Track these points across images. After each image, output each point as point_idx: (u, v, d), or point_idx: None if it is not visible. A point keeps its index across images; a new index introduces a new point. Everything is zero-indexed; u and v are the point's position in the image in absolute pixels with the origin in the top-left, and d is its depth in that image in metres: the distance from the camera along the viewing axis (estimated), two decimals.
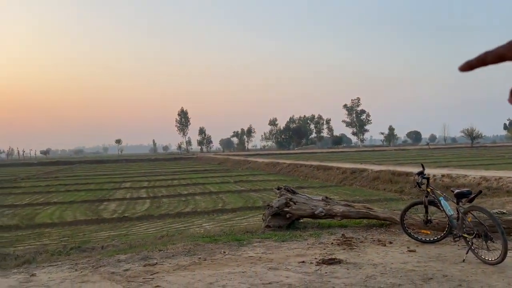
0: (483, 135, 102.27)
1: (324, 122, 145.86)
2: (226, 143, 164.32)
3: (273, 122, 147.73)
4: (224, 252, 5.82)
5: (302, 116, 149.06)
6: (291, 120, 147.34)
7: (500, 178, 16.79)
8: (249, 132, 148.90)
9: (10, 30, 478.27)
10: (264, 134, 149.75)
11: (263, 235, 6.95)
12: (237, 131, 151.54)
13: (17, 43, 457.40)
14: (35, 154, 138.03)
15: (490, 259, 4.78)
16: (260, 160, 48.00)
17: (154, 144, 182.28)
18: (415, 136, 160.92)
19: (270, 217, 7.64)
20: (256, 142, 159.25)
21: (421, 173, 6.18)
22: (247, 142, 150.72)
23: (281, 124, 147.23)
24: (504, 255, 4.63)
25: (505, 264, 4.68)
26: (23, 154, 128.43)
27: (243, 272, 4.79)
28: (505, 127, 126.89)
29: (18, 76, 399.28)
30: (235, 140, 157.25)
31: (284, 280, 4.42)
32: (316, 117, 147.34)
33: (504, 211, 6.72)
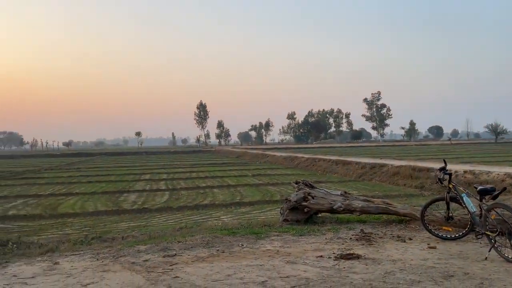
0: (508, 130, 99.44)
1: (344, 116, 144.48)
2: (244, 137, 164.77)
3: (291, 116, 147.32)
4: (242, 245, 5.85)
5: (321, 110, 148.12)
6: (310, 114, 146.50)
7: None
8: (267, 125, 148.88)
9: (37, 27, 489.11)
10: (282, 128, 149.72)
11: (281, 229, 6.95)
12: (255, 125, 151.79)
13: (41, 41, 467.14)
14: (58, 145, 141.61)
15: None
16: (278, 154, 47.96)
17: (173, 137, 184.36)
18: (436, 131, 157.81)
19: (288, 211, 7.63)
20: (274, 136, 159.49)
21: (443, 169, 6.05)
22: (265, 135, 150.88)
23: (300, 118, 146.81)
24: None
25: None
26: (46, 146, 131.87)
27: (260, 265, 4.81)
28: None
29: (42, 71, 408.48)
30: (253, 133, 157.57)
31: (302, 274, 4.41)
32: (335, 111, 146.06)
33: None
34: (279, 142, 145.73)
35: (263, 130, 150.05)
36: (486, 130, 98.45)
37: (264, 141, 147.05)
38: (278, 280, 4.24)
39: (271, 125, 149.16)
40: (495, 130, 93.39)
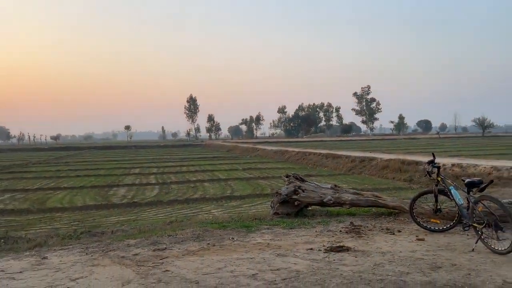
0: (494, 124, 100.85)
1: (334, 110, 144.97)
2: (234, 131, 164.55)
3: (282, 110, 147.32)
4: (233, 238, 5.85)
5: (312, 104, 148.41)
6: (300, 108, 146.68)
7: (511, 168, 16.60)
8: (258, 119, 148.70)
9: (27, 23, 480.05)
10: (273, 121, 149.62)
11: (272, 222, 6.97)
12: (246, 119, 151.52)
13: (29, 34, 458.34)
14: (45, 139, 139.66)
15: (500, 249, 4.74)
16: (268, 147, 48.02)
17: (163, 130, 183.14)
18: (425, 125, 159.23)
19: (278, 204, 7.66)
20: (264, 129, 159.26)
21: (431, 162, 6.11)
22: (256, 129, 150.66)
23: (290, 112, 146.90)
24: None
25: None
26: (34, 140, 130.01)
27: (251, 258, 4.82)
28: None
29: (30, 64, 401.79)
30: (243, 127, 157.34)
31: (292, 267, 4.44)
32: (325, 105, 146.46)
33: None
34: (269, 136, 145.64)
35: (253, 124, 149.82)
36: (474, 124, 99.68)
37: (255, 135, 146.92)
38: (268, 272, 4.26)
39: (261, 119, 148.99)
40: (482, 124, 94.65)
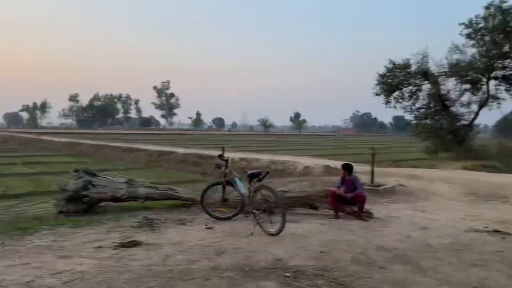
0: (274, 124, 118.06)
1: (133, 103, 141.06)
2: (12, 118, 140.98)
3: (74, 98, 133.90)
4: (3, 243, 4.99)
5: (109, 94, 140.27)
6: (96, 97, 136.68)
7: (284, 161, 19.67)
8: (44, 107, 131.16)
9: None
10: (63, 110, 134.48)
11: (55, 222, 6.28)
12: (28, 105, 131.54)
13: None
14: None
15: (272, 231, 5.53)
16: (56, 139, 43.06)
17: None
18: (219, 122, 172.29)
19: (64, 201, 6.97)
20: (52, 119, 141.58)
21: (221, 156, 6.64)
22: (41, 118, 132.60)
23: (84, 101, 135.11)
24: (282, 227, 5.44)
25: (283, 234, 5.49)
26: None
27: (26, 263, 4.21)
28: (291, 119, 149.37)
29: None
30: (24, 115, 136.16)
31: (77, 268, 4.08)
32: (123, 96, 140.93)
33: (286, 190, 7.89)
34: (58, 126, 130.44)
35: (37, 111, 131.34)
36: (259, 123, 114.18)
37: (39, 125, 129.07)
38: (47, 278, 3.80)
39: (48, 106, 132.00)
40: (265, 124, 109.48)
